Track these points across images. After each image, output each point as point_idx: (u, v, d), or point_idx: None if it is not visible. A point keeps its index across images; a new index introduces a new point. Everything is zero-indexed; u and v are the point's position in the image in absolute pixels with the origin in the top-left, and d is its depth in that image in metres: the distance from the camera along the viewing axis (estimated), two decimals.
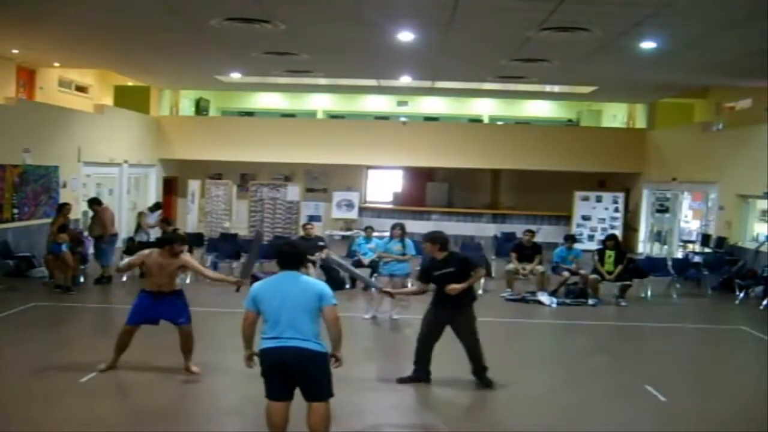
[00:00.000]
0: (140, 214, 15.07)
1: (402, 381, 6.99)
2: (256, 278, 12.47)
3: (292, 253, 5.15)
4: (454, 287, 6.87)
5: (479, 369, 7.13)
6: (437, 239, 7.15)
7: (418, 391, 7.05)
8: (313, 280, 5.17)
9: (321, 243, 13.01)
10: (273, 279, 5.11)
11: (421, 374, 7.14)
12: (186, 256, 7.38)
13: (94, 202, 13.25)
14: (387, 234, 10.97)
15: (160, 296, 7.17)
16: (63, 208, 12.43)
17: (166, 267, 7.13)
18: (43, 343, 8.48)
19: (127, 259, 7.73)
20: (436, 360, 7.25)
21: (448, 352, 8.71)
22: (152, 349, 7.88)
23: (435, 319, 7.15)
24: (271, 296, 4.95)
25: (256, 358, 5.08)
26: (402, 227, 10.58)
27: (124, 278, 12.54)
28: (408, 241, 10.58)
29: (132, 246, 13.80)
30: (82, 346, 7.80)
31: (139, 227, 14.62)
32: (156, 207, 15.67)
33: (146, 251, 7.37)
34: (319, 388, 4.92)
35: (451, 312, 7.05)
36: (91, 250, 13.11)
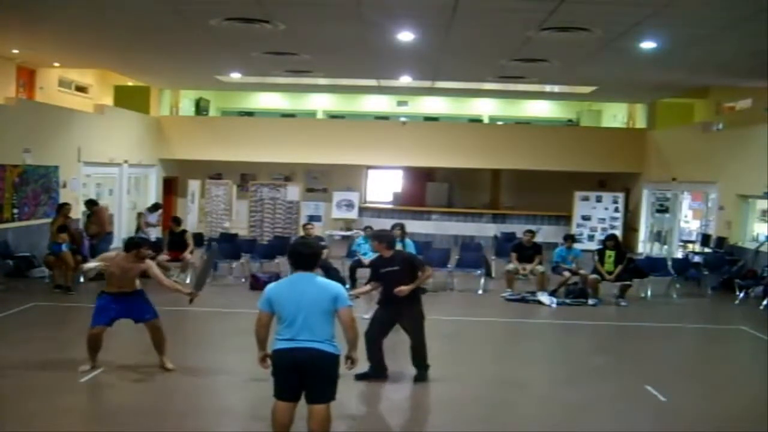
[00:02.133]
0: (139, 215, 15.10)
1: (359, 378, 6.93)
2: (256, 279, 12.50)
3: (306, 254, 5.03)
4: (402, 289, 6.99)
5: (420, 364, 7.22)
6: (383, 238, 7.37)
7: (417, 391, 7.06)
8: (328, 282, 5.06)
9: (322, 243, 13.01)
10: (288, 280, 5.06)
11: (374, 371, 7.16)
12: (149, 262, 7.47)
13: (91, 203, 13.39)
14: None
15: (121, 296, 7.25)
16: (63, 209, 12.45)
17: (129, 271, 7.23)
18: (43, 343, 8.47)
19: (92, 263, 7.75)
20: (437, 360, 7.25)
21: (448, 351, 8.72)
22: (151, 348, 7.88)
23: (381, 316, 7.27)
24: (286, 297, 4.89)
25: (269, 360, 5.02)
26: (402, 227, 10.62)
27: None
28: (408, 241, 10.61)
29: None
30: (82, 346, 7.77)
31: (138, 228, 14.64)
32: (155, 207, 15.68)
33: (111, 254, 7.54)
34: (325, 391, 4.90)
35: (398, 308, 7.16)
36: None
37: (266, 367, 5.07)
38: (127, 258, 7.21)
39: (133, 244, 7.36)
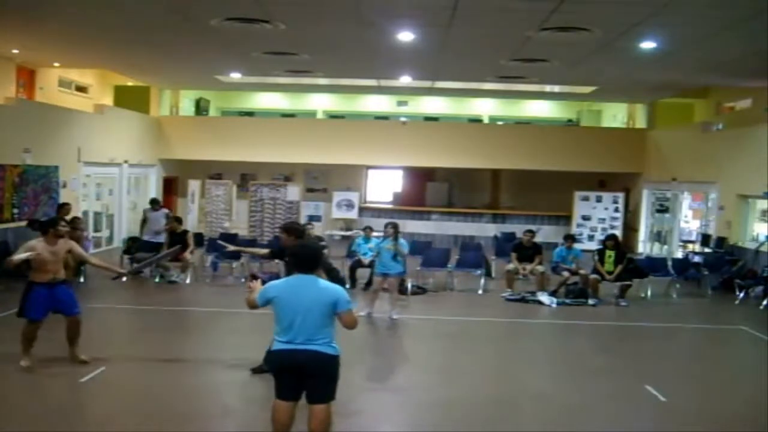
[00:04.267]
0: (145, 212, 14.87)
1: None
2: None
3: (304, 256, 5.01)
4: None
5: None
6: (292, 230, 7.12)
7: (416, 392, 7.05)
8: (329, 285, 5.02)
9: (322, 243, 13.01)
10: (290, 281, 5.04)
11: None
12: (71, 242, 7.54)
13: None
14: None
15: (55, 285, 7.32)
16: (62, 209, 12.44)
17: (58, 252, 7.31)
18: (42, 343, 8.45)
19: (21, 254, 7.37)
20: (437, 359, 7.24)
21: (449, 351, 8.72)
22: (152, 348, 7.89)
23: None
24: (286, 298, 4.88)
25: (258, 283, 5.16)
26: (395, 226, 10.54)
27: (124, 279, 12.51)
28: (401, 241, 10.55)
29: (132, 246, 13.79)
30: (82, 346, 7.78)
31: (143, 224, 14.34)
32: (154, 203, 15.35)
33: (32, 242, 7.37)
34: (325, 391, 4.91)
35: None
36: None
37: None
38: (49, 240, 7.26)
39: (48, 224, 7.42)
